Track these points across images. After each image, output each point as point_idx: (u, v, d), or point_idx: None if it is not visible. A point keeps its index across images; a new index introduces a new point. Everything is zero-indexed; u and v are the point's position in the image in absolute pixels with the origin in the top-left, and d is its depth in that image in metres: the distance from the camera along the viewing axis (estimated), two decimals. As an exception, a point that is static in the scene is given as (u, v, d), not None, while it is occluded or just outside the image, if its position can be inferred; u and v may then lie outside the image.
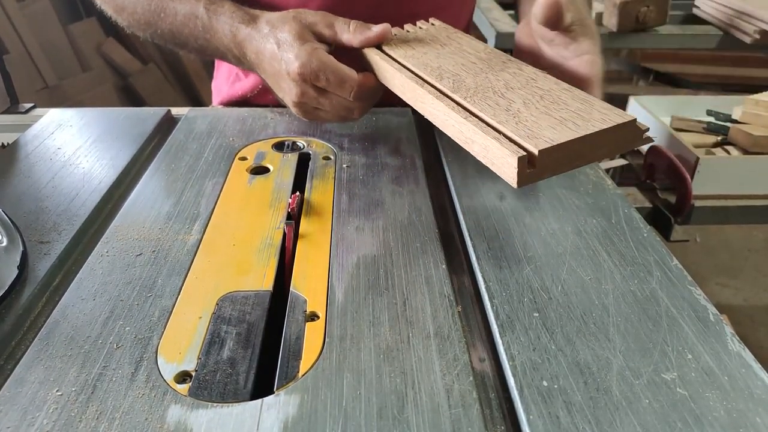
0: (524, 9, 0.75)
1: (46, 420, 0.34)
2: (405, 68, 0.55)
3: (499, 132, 0.43)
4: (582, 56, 0.55)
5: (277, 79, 0.59)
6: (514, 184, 0.40)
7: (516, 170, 0.40)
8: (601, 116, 0.42)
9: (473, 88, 0.49)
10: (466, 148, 0.46)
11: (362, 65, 0.61)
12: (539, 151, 0.39)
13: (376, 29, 0.58)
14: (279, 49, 0.57)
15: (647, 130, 0.43)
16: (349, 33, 0.58)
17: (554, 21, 0.53)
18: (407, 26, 0.65)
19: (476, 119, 0.45)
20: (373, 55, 0.59)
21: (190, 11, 0.64)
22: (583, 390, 0.35)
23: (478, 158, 0.45)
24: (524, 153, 0.40)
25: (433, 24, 0.66)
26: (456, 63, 0.55)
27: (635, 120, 0.43)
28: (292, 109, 0.61)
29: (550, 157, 0.40)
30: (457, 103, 0.48)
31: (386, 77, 0.58)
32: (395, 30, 0.64)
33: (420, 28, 0.65)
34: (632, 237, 0.50)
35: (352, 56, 0.61)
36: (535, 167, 0.40)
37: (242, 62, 0.64)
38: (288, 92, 0.58)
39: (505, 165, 0.41)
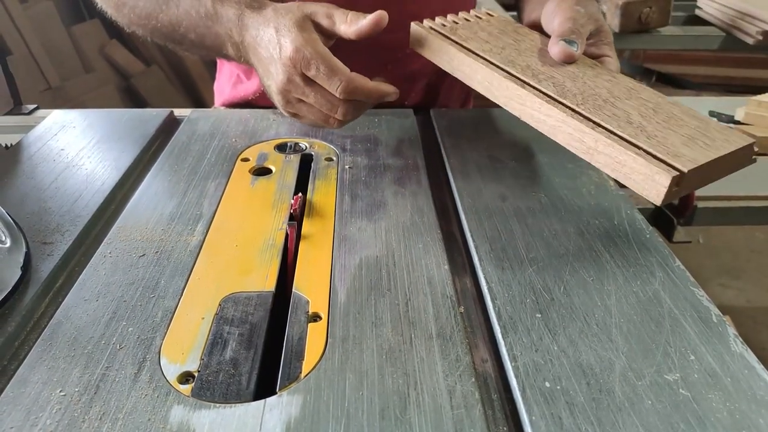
0: (531, 5, 0.73)
1: (50, 420, 0.34)
2: (489, 63, 0.53)
3: (637, 146, 0.42)
4: (602, 59, 0.57)
5: (268, 64, 0.58)
6: (659, 202, 0.41)
7: (666, 189, 0.40)
8: (724, 137, 0.43)
9: (579, 95, 0.48)
10: (585, 158, 0.45)
11: (429, 58, 0.58)
12: (689, 170, 0.40)
13: (369, 17, 0.56)
14: (277, 34, 0.56)
15: (756, 152, 0.44)
16: (346, 23, 0.57)
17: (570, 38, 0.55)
18: (463, 14, 0.62)
19: (604, 129, 0.44)
20: (446, 45, 0.56)
21: None
22: (586, 391, 0.35)
23: (603, 169, 0.44)
24: (677, 173, 0.40)
25: (491, 15, 0.63)
26: (543, 62, 0.53)
27: (753, 143, 0.44)
28: (275, 97, 0.59)
29: (693, 176, 0.40)
30: (571, 110, 0.46)
31: (464, 71, 0.55)
32: (451, 17, 0.61)
33: (479, 17, 0.62)
34: (635, 238, 0.50)
35: (353, 52, 0.60)
36: (679, 186, 0.40)
37: (239, 49, 0.62)
38: (275, 77, 0.57)
39: (649, 181, 0.41)
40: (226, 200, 0.56)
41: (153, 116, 0.74)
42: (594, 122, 0.45)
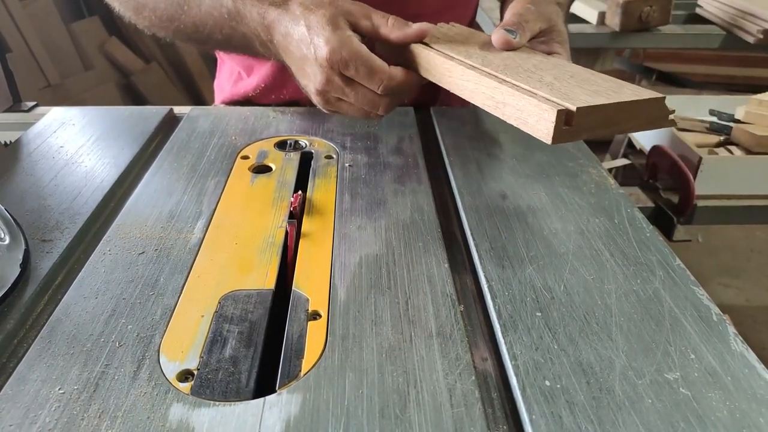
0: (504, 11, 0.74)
1: (49, 418, 0.34)
2: (431, 48, 0.56)
3: (536, 95, 0.44)
4: (552, 55, 0.57)
5: (303, 64, 0.57)
6: (549, 140, 0.42)
7: (553, 125, 0.41)
8: (632, 92, 0.45)
9: (502, 66, 0.51)
10: (496, 114, 0.47)
11: (396, 58, 0.60)
12: (577, 108, 0.41)
13: (416, 27, 0.57)
14: (309, 32, 0.55)
15: (673, 112, 0.45)
16: (387, 27, 0.57)
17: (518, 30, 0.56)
18: (440, 25, 0.65)
19: (510, 84, 0.46)
20: (418, 49, 0.59)
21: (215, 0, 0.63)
22: (586, 390, 0.35)
23: (508, 121, 0.46)
24: (563, 107, 0.41)
25: (453, 25, 0.66)
26: (483, 48, 0.56)
27: (664, 98, 0.45)
28: (314, 97, 0.59)
29: (586, 117, 0.42)
30: (489, 74, 0.49)
31: (407, 57, 0.58)
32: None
33: (453, 26, 0.65)
34: (635, 237, 0.50)
35: (387, 50, 0.61)
36: (571, 125, 0.42)
37: (269, 48, 0.61)
38: (312, 78, 0.57)
39: (541, 121, 0.42)
40: (225, 198, 0.56)
41: (153, 113, 0.74)
42: (505, 81, 0.47)
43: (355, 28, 0.56)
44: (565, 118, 0.41)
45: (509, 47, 0.55)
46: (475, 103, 0.50)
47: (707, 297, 0.43)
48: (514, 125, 0.45)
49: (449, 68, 0.53)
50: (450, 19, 0.68)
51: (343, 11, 0.56)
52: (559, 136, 0.42)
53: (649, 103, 0.45)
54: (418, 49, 0.57)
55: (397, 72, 0.55)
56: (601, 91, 0.45)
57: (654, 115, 0.45)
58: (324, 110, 0.59)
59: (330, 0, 0.57)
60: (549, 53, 0.58)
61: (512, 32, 0.55)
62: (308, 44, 0.55)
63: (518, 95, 0.45)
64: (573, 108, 0.41)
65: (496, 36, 0.56)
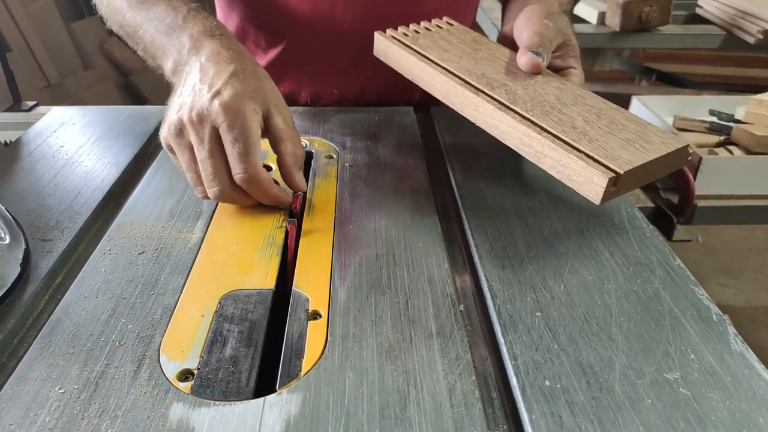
0: (510, 15, 0.73)
1: (49, 417, 0.34)
2: (448, 71, 0.56)
3: (579, 150, 0.46)
4: (567, 70, 0.58)
5: (196, 89, 0.50)
6: (597, 202, 0.44)
7: (603, 189, 0.43)
8: (661, 140, 0.47)
9: (529, 101, 0.51)
10: (533, 161, 0.48)
11: (401, 65, 0.60)
12: (624, 172, 0.43)
13: (289, 195, 0.52)
14: (231, 76, 0.49)
15: (692, 153, 0.47)
16: (284, 154, 0.52)
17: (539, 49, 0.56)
18: (425, 23, 0.65)
19: (549, 135, 0.47)
20: (407, 54, 0.59)
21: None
22: (586, 390, 0.35)
23: (549, 171, 0.47)
24: (613, 174, 0.43)
25: (451, 24, 0.66)
26: (498, 71, 0.56)
27: (688, 145, 0.48)
28: (169, 119, 0.51)
29: (629, 177, 0.44)
30: (521, 116, 0.50)
31: (424, 78, 0.58)
32: (413, 26, 0.64)
33: (439, 27, 0.65)
34: (635, 236, 0.50)
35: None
36: (616, 186, 0.44)
37: (181, 55, 0.54)
38: (190, 103, 0.49)
39: (589, 183, 0.44)
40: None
41: (153, 113, 0.74)
42: (541, 127, 0.48)
43: (264, 117, 0.51)
44: (613, 181, 0.43)
45: (537, 71, 0.55)
46: (508, 145, 0.50)
47: (707, 297, 0.43)
48: (556, 177, 0.47)
49: (475, 103, 0.52)
50: (449, 16, 0.68)
51: (269, 98, 0.51)
52: (607, 196, 0.44)
53: (678, 152, 0.47)
54: (435, 74, 0.56)
55: (263, 175, 0.49)
56: (633, 141, 0.47)
57: (679, 159, 0.48)
58: (162, 141, 0.52)
59: (271, 84, 0.53)
60: (565, 68, 0.59)
61: (539, 55, 0.55)
62: (221, 79, 0.49)
63: (562, 152, 0.46)
64: (621, 171, 0.43)
65: (525, 59, 0.55)
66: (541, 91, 0.53)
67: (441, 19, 0.67)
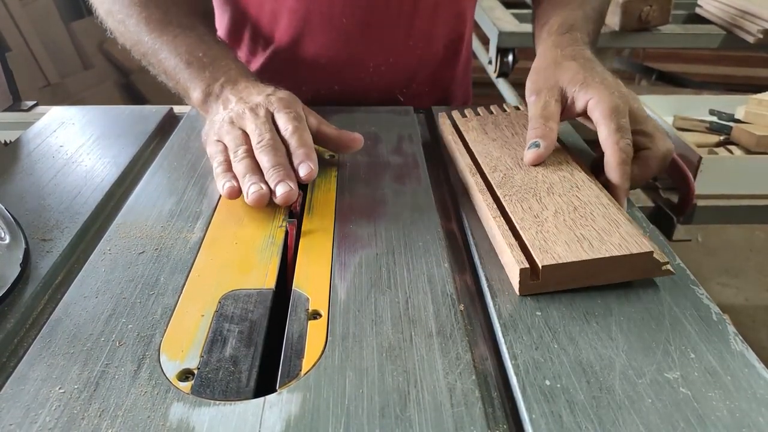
0: (539, 29, 0.71)
1: (49, 417, 0.34)
2: (468, 151, 0.59)
3: (519, 238, 0.45)
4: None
5: (237, 101, 0.58)
6: (517, 292, 0.43)
7: (518, 279, 0.42)
8: (619, 242, 0.43)
9: (518, 186, 0.51)
10: (492, 241, 0.49)
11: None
12: (543, 266, 0.42)
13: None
14: (267, 96, 0.57)
15: (667, 263, 0.44)
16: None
17: None
18: (493, 107, 0.67)
19: (503, 220, 0.47)
20: (447, 135, 0.63)
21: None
22: (586, 389, 0.35)
23: (498, 255, 0.47)
24: (527, 266, 0.42)
25: (518, 109, 0.67)
26: (515, 155, 0.57)
27: (652, 252, 0.43)
28: (234, 109, 0.58)
29: (554, 273, 0.42)
30: (496, 199, 0.50)
31: (455, 156, 0.61)
32: (481, 109, 0.66)
33: (504, 110, 0.67)
34: (635, 236, 0.50)
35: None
36: (539, 279, 0.42)
37: (212, 82, 0.62)
38: (247, 98, 0.58)
39: (512, 270, 0.44)
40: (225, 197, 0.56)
41: (152, 113, 0.74)
42: (503, 211, 0.49)
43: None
44: (532, 273, 0.42)
45: (541, 160, 0.54)
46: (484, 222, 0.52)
47: (707, 296, 0.43)
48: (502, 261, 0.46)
49: (470, 185, 0.55)
50: (447, 14, 0.68)
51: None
52: (527, 289, 0.43)
53: (633, 257, 0.43)
54: (457, 156, 0.59)
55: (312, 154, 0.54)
56: (585, 239, 0.44)
57: (643, 266, 0.43)
58: (207, 141, 0.59)
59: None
60: (586, 101, 0.56)
61: (536, 145, 0.54)
62: (271, 89, 0.59)
63: (500, 237, 0.46)
64: (539, 265, 0.42)
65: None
66: (541, 178, 0.53)
67: (508, 104, 0.69)
